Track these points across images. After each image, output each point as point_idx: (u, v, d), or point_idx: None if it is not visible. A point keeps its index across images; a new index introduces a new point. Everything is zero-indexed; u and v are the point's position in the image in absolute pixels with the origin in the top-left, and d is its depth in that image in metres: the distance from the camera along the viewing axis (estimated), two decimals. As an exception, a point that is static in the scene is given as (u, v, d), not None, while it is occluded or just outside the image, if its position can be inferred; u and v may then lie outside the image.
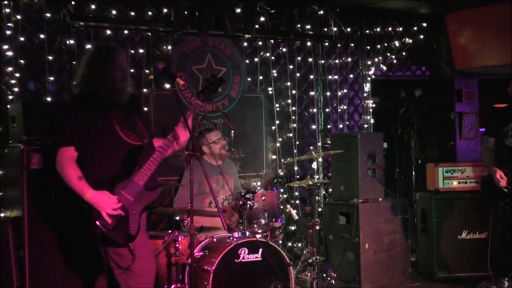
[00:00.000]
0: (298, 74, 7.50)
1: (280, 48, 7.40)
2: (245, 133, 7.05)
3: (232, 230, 5.18)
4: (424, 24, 8.35)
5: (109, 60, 4.09)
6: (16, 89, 5.67)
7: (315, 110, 7.67)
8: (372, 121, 8.11)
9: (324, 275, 5.95)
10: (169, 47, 6.60)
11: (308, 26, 7.56)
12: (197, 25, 6.50)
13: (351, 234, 6.40)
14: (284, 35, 7.35)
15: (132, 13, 6.38)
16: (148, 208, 4.16)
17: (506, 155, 5.73)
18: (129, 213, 3.96)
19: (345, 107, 7.90)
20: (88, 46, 6.00)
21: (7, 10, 5.65)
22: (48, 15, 5.89)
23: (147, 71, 6.39)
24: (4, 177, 5.40)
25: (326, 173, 7.69)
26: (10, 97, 5.64)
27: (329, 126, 7.76)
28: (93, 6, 6.12)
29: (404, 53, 8.27)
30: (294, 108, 7.45)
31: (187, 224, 5.03)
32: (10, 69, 5.67)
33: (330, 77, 7.80)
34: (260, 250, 4.97)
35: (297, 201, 7.37)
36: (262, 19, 7.12)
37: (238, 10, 6.82)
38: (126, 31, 6.31)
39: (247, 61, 7.15)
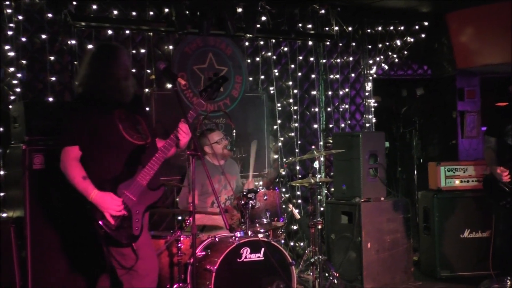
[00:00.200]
0: (299, 74, 7.50)
1: (282, 48, 7.40)
2: (247, 132, 7.05)
3: (234, 229, 5.18)
4: (426, 23, 8.35)
5: (112, 58, 4.09)
6: (18, 90, 5.68)
7: (316, 109, 7.67)
8: (373, 120, 8.11)
9: (326, 274, 5.95)
10: (171, 47, 6.60)
11: (310, 25, 7.56)
12: (198, 25, 6.50)
13: (353, 233, 6.40)
14: (285, 34, 7.35)
15: (133, 13, 6.38)
16: (151, 208, 4.16)
17: (508, 154, 5.72)
18: (132, 213, 3.96)
19: (346, 106, 7.90)
20: (90, 46, 6.01)
21: (9, 11, 5.66)
22: (50, 15, 5.90)
23: (148, 71, 6.40)
24: (6, 177, 5.40)
25: (328, 172, 7.69)
26: (12, 97, 5.65)
27: (330, 125, 7.76)
28: (94, 6, 6.13)
29: (405, 52, 8.26)
30: (295, 108, 7.45)
31: (189, 224, 5.04)
32: (11, 69, 5.68)
33: (331, 76, 7.79)
34: (262, 249, 4.97)
35: (299, 201, 7.37)
36: (263, 18, 7.12)
37: (239, 10, 6.82)
38: (127, 31, 6.32)
39: (249, 61, 7.16)
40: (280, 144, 7.30)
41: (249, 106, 7.13)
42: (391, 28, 8.15)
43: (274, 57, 7.30)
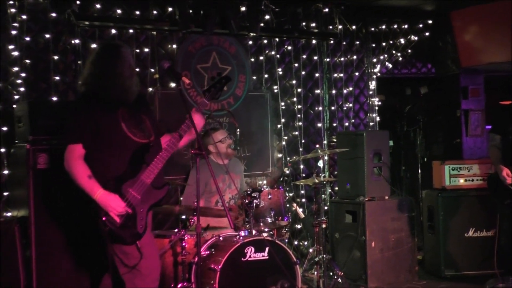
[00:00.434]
0: (303, 72, 7.49)
1: (285, 46, 7.39)
2: (251, 131, 7.04)
3: (239, 228, 5.17)
4: (430, 21, 8.32)
5: (116, 57, 4.09)
6: (22, 89, 5.68)
7: (320, 108, 7.65)
8: (377, 119, 8.09)
9: (331, 273, 5.94)
10: (174, 46, 6.60)
11: (313, 24, 7.55)
12: (202, 24, 6.49)
13: (357, 232, 6.39)
14: (289, 33, 7.34)
15: (137, 12, 6.38)
16: (155, 207, 4.16)
17: (513, 152, 5.71)
18: (136, 212, 3.96)
19: (350, 105, 7.89)
20: (93, 46, 6.00)
21: (12, 10, 5.66)
22: (53, 15, 5.90)
23: (152, 70, 6.39)
24: (10, 177, 5.41)
25: (332, 171, 7.67)
26: (16, 97, 5.66)
27: (334, 124, 7.75)
28: (97, 6, 6.13)
29: (409, 51, 8.24)
30: (299, 107, 7.44)
31: (193, 223, 5.03)
32: (15, 69, 5.68)
33: (335, 75, 7.78)
34: (267, 248, 4.97)
35: (303, 200, 7.36)
36: (267, 17, 7.11)
37: (243, 9, 6.81)
38: (131, 30, 6.32)
39: (252, 60, 7.15)
40: (284, 143, 7.29)
41: (253, 105, 7.12)
42: (395, 26, 8.14)
43: (278, 56, 7.29)
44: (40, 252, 4.79)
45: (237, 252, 4.86)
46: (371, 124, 8.03)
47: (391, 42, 8.09)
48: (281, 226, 5.59)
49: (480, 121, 8.31)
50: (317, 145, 6.47)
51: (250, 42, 7.12)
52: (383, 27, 8.07)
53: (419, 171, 8.33)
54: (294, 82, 7.41)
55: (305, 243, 7.28)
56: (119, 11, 6.26)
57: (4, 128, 5.54)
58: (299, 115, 7.42)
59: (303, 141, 7.43)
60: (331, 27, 7.67)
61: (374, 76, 8.08)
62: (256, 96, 7.17)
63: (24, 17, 5.72)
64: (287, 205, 5.79)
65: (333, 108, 7.75)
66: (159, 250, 5.02)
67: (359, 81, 8.02)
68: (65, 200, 4.79)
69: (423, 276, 6.81)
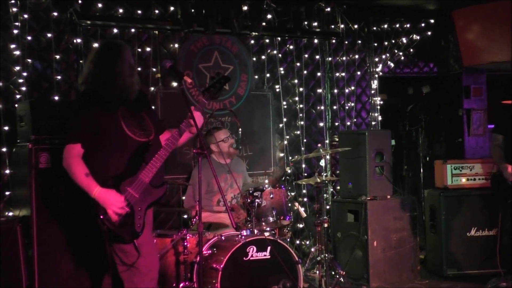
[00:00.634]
0: (305, 72, 7.48)
1: (287, 46, 7.38)
2: (253, 131, 7.04)
3: (241, 228, 5.17)
4: (432, 21, 8.31)
5: (116, 56, 4.09)
6: (23, 88, 5.68)
7: (322, 107, 7.65)
8: (379, 118, 8.09)
9: (333, 273, 5.94)
10: (176, 46, 6.59)
11: (315, 23, 7.55)
12: (204, 23, 6.49)
13: (359, 231, 6.39)
14: (291, 32, 7.34)
15: (139, 12, 6.38)
16: (154, 205, 4.16)
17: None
18: (134, 210, 3.96)
19: (352, 104, 7.88)
20: (95, 45, 6.00)
21: (14, 9, 5.66)
22: (55, 14, 5.90)
23: (154, 69, 6.39)
24: (12, 176, 5.41)
25: (334, 170, 7.67)
26: (18, 96, 5.65)
27: (336, 124, 7.75)
28: (99, 5, 6.13)
29: (411, 50, 8.23)
30: (301, 106, 7.43)
31: (195, 223, 5.03)
32: (17, 68, 5.68)
33: (337, 74, 7.78)
34: (269, 248, 4.97)
35: (305, 199, 7.36)
36: (269, 16, 7.11)
37: (245, 8, 6.80)
38: (133, 30, 6.32)
39: (254, 59, 7.15)
40: (286, 142, 7.29)
41: (255, 104, 7.12)
42: (397, 25, 8.13)
43: (280, 55, 7.29)
44: (42, 252, 4.79)
45: (239, 251, 4.86)
46: (373, 123, 8.03)
47: (393, 41, 8.09)
48: (283, 225, 5.59)
49: (482, 121, 8.30)
50: (319, 145, 6.45)
51: (252, 41, 7.11)
52: (385, 26, 8.06)
53: (421, 170, 8.32)
54: (296, 81, 7.41)
55: (307, 242, 7.28)
56: (121, 10, 6.26)
57: (6, 128, 5.54)
58: (301, 115, 7.42)
59: (305, 140, 7.43)
60: (333, 26, 7.66)
61: (376, 76, 8.07)
62: (258, 96, 7.16)
63: (26, 16, 5.72)
64: (289, 205, 5.78)
65: (335, 107, 7.74)
66: (161, 250, 5.03)
67: (361, 81, 8.01)
68: (67, 200, 4.79)
69: (425, 275, 6.81)
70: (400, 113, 8.97)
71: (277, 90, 7.27)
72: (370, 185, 6.45)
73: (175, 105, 6.29)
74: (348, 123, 7.84)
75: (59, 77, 5.90)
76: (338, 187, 7.22)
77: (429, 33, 8.33)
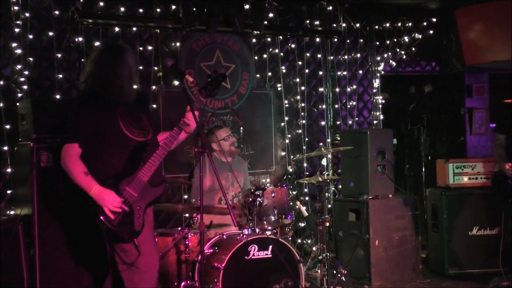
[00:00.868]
0: (307, 70, 7.48)
1: (289, 44, 7.38)
2: (254, 129, 7.03)
3: (242, 227, 5.17)
4: (434, 19, 8.31)
5: (119, 59, 4.10)
6: (25, 87, 5.68)
7: (324, 106, 7.64)
8: (381, 117, 8.08)
9: (334, 271, 5.93)
10: (178, 44, 6.59)
11: (317, 22, 7.54)
12: (206, 21, 6.49)
13: (361, 230, 6.38)
14: (293, 31, 7.33)
15: (141, 10, 6.38)
16: (152, 204, 4.17)
17: (517, 151, 5.69)
18: (133, 209, 3.97)
19: (354, 103, 7.88)
20: (97, 44, 6.01)
21: (16, 8, 5.66)
22: (57, 12, 5.90)
23: (155, 68, 6.39)
24: (14, 175, 5.41)
25: (335, 169, 7.67)
26: (19, 95, 5.65)
27: (338, 123, 7.74)
28: (101, 3, 6.13)
29: (413, 49, 8.23)
30: (303, 105, 7.43)
31: (197, 221, 5.03)
32: (19, 67, 5.68)
33: (339, 73, 7.77)
34: (270, 247, 4.96)
35: (307, 198, 7.36)
36: (270, 15, 7.10)
37: (247, 6, 6.81)
38: (134, 28, 6.32)
39: (256, 58, 7.14)
40: (287, 141, 7.29)
41: (256, 103, 7.11)
42: (399, 24, 8.12)
43: (282, 54, 7.28)
44: (44, 251, 4.79)
45: (241, 250, 4.85)
46: (375, 122, 8.02)
47: (395, 40, 8.08)
48: (285, 224, 5.58)
49: (484, 120, 8.29)
50: (321, 143, 6.43)
51: (254, 40, 7.11)
52: (387, 25, 8.05)
53: (423, 169, 8.30)
54: (297, 80, 7.40)
55: (309, 241, 7.28)
56: (122, 9, 6.26)
57: (8, 126, 5.54)
58: (302, 113, 7.41)
59: (306, 139, 7.42)
60: (335, 25, 7.66)
61: (378, 74, 8.06)
62: (259, 94, 7.16)
63: (27, 14, 5.72)
64: (291, 203, 5.78)
65: (336, 106, 7.73)
66: (163, 248, 5.03)
67: (363, 79, 8.00)
68: (68, 199, 4.79)
69: (427, 274, 6.80)
70: (402, 112, 8.96)
71: (279, 89, 7.26)
72: (371, 184, 6.44)
73: (176, 104, 6.29)
74: (350, 122, 7.83)
75: (60, 76, 5.90)
76: (340, 186, 7.21)
77: (431, 32, 8.32)
